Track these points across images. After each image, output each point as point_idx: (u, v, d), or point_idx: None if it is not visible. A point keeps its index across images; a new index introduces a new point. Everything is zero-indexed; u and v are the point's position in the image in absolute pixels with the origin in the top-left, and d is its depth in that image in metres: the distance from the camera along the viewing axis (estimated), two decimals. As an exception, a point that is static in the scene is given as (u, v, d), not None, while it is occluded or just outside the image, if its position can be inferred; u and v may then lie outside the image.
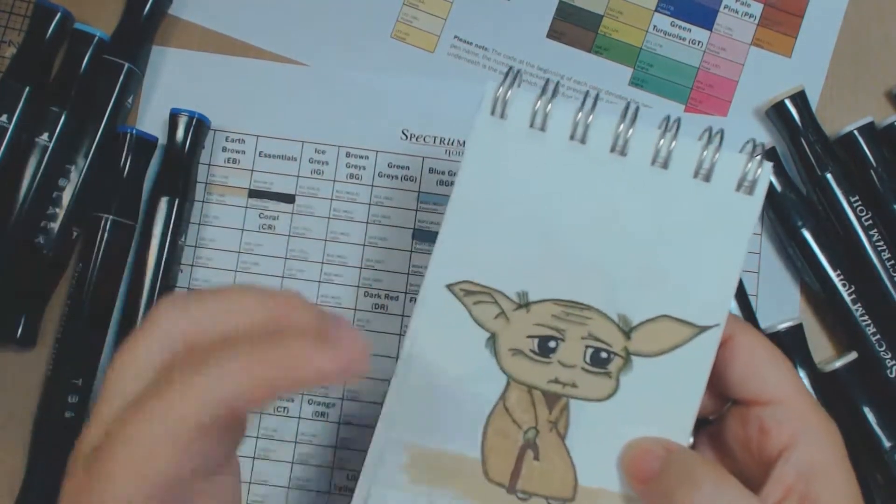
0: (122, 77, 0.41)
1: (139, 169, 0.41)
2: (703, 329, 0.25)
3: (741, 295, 0.39)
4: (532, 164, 0.25)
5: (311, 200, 0.42)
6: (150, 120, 0.43)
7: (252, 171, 0.42)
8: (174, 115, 0.41)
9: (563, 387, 0.25)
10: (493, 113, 0.25)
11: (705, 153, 0.25)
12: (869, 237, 0.40)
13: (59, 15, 0.42)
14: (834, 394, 0.38)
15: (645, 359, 0.25)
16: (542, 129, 0.25)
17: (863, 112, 0.42)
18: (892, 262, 0.39)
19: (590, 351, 0.25)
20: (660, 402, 0.25)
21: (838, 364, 0.38)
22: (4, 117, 0.40)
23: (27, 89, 0.40)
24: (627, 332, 0.25)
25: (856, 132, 0.40)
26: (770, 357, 0.26)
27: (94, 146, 0.41)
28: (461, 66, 0.44)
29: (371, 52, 0.44)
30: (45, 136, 0.40)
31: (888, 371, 0.39)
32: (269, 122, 0.43)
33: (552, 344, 0.25)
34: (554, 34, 0.44)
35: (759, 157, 0.25)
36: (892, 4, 0.44)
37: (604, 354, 0.25)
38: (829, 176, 0.40)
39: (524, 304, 0.25)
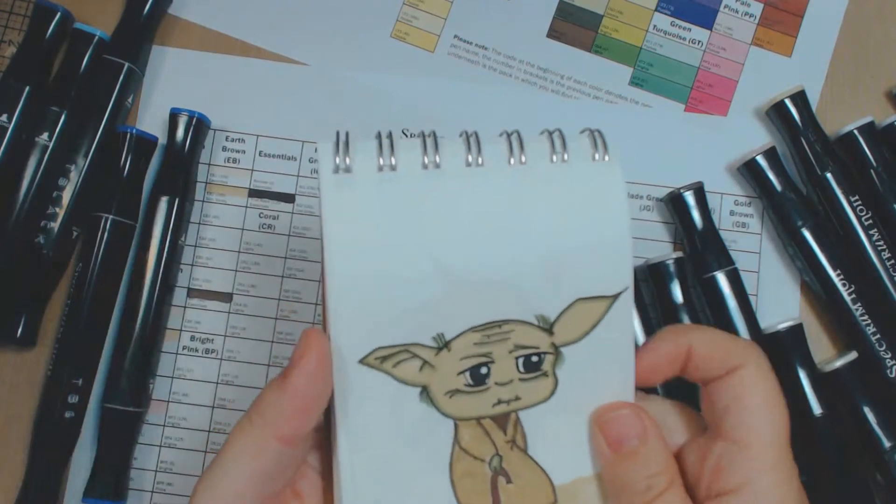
0: (122, 77, 0.41)
1: (139, 169, 0.41)
2: (616, 297, 0.25)
3: (741, 295, 0.39)
4: (395, 206, 0.24)
5: (311, 200, 0.42)
6: (150, 120, 0.43)
7: (252, 170, 0.42)
8: (174, 115, 0.41)
9: (508, 404, 0.25)
10: (336, 171, 0.24)
11: (555, 143, 0.25)
12: (869, 237, 0.40)
13: (59, 15, 0.42)
14: (834, 394, 0.38)
15: (572, 346, 0.25)
16: (393, 168, 0.24)
17: (863, 112, 0.42)
18: (892, 262, 0.39)
19: (521, 360, 0.25)
20: (599, 377, 0.25)
21: (838, 364, 0.38)
22: (4, 117, 0.40)
23: (27, 89, 0.40)
24: (549, 329, 0.25)
25: (856, 132, 0.40)
26: (766, 399, 0.25)
27: (94, 146, 0.41)
28: (461, 66, 0.44)
29: (371, 51, 0.44)
30: (45, 135, 0.40)
31: (888, 371, 0.39)
32: (269, 121, 0.43)
33: (483, 370, 0.25)
34: (554, 34, 0.44)
35: (599, 138, 0.25)
36: (892, 4, 0.44)
37: (534, 358, 0.25)
38: (829, 176, 0.40)
39: (443, 345, 0.24)
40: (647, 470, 0.24)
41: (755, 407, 0.24)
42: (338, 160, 0.24)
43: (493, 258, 0.24)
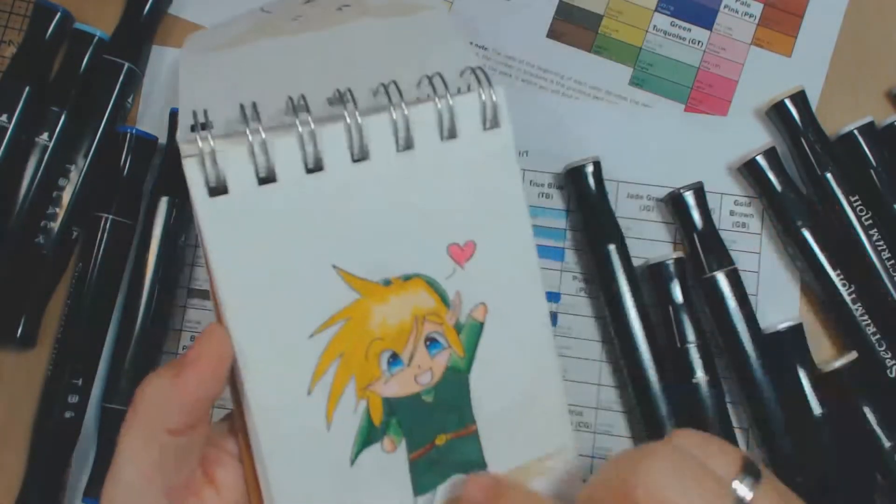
0: (122, 77, 0.41)
1: (139, 169, 0.41)
2: None
3: (741, 295, 0.39)
4: (281, 222, 0.23)
5: (311, 200, 0.42)
6: (150, 120, 0.43)
7: (252, 171, 0.42)
8: (174, 115, 0.41)
9: None
10: (211, 195, 0.22)
11: (440, 110, 0.23)
12: (869, 237, 0.39)
13: (59, 15, 0.42)
14: (834, 394, 0.38)
15: None
16: (273, 179, 0.22)
17: (863, 112, 0.41)
18: (892, 262, 0.39)
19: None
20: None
21: (838, 364, 0.38)
22: (4, 117, 0.40)
23: (27, 89, 0.40)
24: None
25: (856, 132, 0.40)
26: None
27: (94, 146, 0.41)
28: (461, 65, 0.44)
29: (371, 51, 0.44)
30: (45, 136, 0.40)
31: (888, 371, 0.39)
32: (269, 121, 0.43)
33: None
34: (554, 34, 0.44)
35: (486, 84, 0.23)
36: (892, 4, 0.44)
37: None
38: (829, 176, 0.40)
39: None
40: None
41: None
42: (209, 178, 0.22)
43: (393, 255, 0.24)
